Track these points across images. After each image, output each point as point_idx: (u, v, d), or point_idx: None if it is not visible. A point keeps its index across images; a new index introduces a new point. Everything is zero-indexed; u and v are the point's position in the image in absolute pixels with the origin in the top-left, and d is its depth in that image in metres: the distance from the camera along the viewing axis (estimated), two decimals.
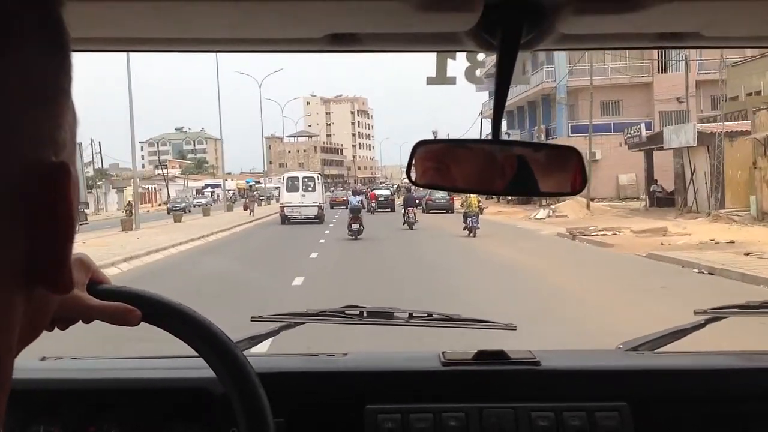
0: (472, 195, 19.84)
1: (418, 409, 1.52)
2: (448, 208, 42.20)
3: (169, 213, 51.08)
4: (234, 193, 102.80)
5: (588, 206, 33.78)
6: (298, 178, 36.45)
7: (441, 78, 1.17)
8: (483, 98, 59.88)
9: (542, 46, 1.07)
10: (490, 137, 1.09)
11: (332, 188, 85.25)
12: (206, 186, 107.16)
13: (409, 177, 1.12)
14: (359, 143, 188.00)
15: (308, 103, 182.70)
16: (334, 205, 48.42)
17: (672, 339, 1.85)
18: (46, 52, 0.47)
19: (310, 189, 35.52)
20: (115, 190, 75.98)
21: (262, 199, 74.01)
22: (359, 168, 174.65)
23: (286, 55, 1.69)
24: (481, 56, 1.15)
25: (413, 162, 1.09)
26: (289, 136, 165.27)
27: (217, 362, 1.03)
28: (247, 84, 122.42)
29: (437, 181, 1.11)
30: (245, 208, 48.23)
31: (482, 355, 1.64)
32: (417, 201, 32.92)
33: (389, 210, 43.33)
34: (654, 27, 1.07)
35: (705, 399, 1.59)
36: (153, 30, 1.06)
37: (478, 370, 1.62)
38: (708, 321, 1.86)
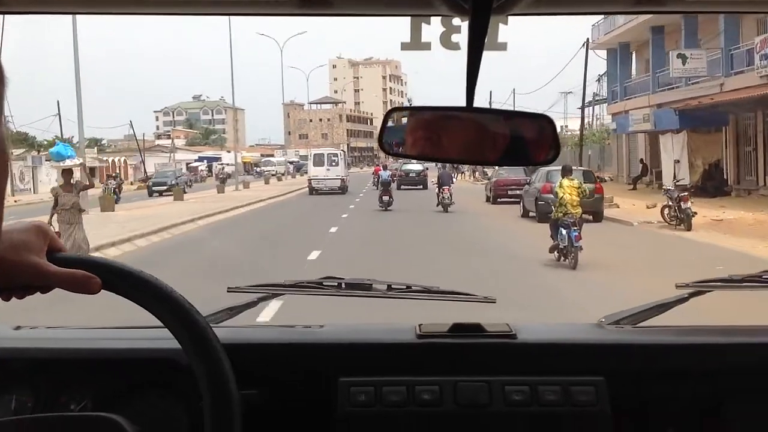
0: (564, 183, 13.10)
1: (392, 382, 1.51)
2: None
3: None
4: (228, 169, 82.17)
5: None
6: (323, 154, 40.53)
7: (416, 43, 1.14)
8: (589, 21, 37.41)
9: (516, 11, 1.04)
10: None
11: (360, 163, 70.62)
12: (201, 159, 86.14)
13: (381, 145, 1.12)
14: None
15: (334, 66, 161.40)
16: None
17: (655, 313, 1.81)
18: None
19: (334, 164, 39.44)
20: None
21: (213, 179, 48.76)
22: None
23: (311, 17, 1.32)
24: (456, 21, 1.11)
25: (394, 131, 1.12)
26: (311, 103, 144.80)
27: (178, 330, 1.00)
28: (268, 49, 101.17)
29: (428, 151, 1.11)
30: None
31: (458, 328, 1.62)
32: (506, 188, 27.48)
33: (420, 187, 39.69)
34: None
35: (683, 374, 1.57)
36: None
37: (453, 343, 1.60)
38: (691, 295, 1.83)
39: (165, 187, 42.75)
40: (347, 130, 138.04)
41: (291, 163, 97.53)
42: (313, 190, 38.84)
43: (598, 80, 43.48)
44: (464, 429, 1.50)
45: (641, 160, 32.42)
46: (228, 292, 1.82)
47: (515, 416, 1.49)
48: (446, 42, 1.11)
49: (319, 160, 39.65)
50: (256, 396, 1.31)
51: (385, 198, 25.85)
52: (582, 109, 36.55)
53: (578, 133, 69.67)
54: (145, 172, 67.34)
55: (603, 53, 39.21)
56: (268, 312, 6.38)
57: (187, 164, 79.89)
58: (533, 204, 20.88)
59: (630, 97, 34.34)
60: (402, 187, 38.50)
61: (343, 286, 1.89)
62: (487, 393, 1.49)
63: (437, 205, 24.69)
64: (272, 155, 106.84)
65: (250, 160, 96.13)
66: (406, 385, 1.50)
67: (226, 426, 0.99)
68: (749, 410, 1.55)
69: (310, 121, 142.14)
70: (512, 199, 25.84)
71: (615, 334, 1.71)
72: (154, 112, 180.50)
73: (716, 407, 1.55)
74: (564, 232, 12.35)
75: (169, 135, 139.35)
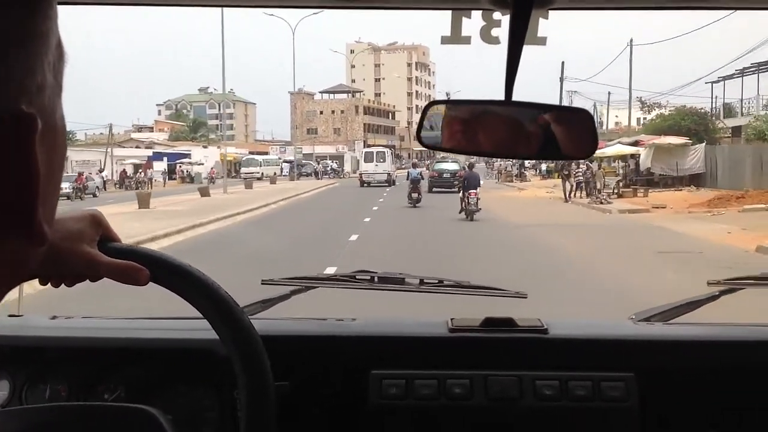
0: None
1: (423, 375, 1.52)
2: None
3: None
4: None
5: None
6: (373, 152, 48.34)
7: (455, 37, 1.15)
8: None
9: (558, 5, 1.05)
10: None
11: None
12: (157, 156, 63.35)
13: (419, 139, 1.16)
14: (416, 105, 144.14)
15: (352, 52, 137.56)
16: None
17: (685, 310, 1.80)
18: None
19: (382, 161, 46.14)
20: None
21: None
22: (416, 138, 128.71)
23: None
24: (496, 15, 1.11)
25: (433, 125, 1.13)
26: (322, 92, 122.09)
27: (220, 324, 1.02)
28: (279, 36, 79.41)
29: (464, 145, 1.14)
30: None
31: (490, 323, 1.63)
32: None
33: (456, 190, 29.85)
34: None
35: (715, 371, 1.56)
36: None
37: (485, 338, 1.61)
38: (723, 293, 1.82)
39: None
40: (365, 124, 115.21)
41: (288, 162, 75.81)
42: (363, 183, 44.35)
43: None
44: (495, 422, 1.51)
45: None
46: (262, 284, 1.83)
47: (546, 410, 1.49)
48: (486, 36, 1.10)
49: (369, 157, 46.64)
50: (288, 387, 1.31)
51: (414, 195, 26.20)
52: None
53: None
54: None
55: None
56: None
57: (135, 165, 56.89)
58: None
59: None
60: (434, 189, 35.39)
61: (376, 280, 1.87)
62: (518, 387, 1.50)
63: (460, 212, 21.07)
64: (267, 153, 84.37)
65: (234, 158, 73.49)
66: (438, 378, 1.50)
67: (262, 418, 1.00)
68: None
69: (321, 113, 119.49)
70: None
71: (646, 330, 1.69)
72: (157, 105, 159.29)
73: (747, 405, 1.54)
74: None
75: (152, 128, 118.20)
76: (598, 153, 31.68)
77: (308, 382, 1.50)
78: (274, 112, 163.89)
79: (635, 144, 32.03)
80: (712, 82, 44.21)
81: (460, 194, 21.73)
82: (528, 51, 1.01)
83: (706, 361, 1.57)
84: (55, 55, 0.48)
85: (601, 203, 24.66)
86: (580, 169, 27.53)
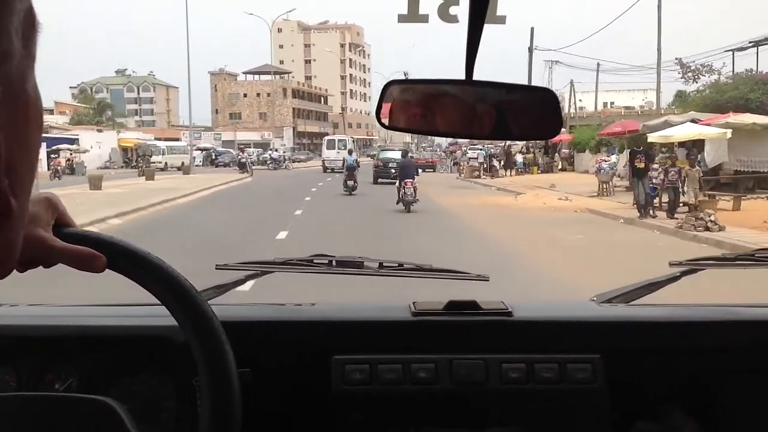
0: None
1: (387, 360, 1.50)
2: None
3: None
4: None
5: None
6: (334, 140, 52.43)
7: (413, 16, 1.14)
8: None
9: None
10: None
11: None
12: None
13: (378, 119, 1.13)
14: (350, 90, 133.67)
15: (279, 30, 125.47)
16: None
17: (647, 291, 1.80)
18: None
19: (343, 148, 45.37)
20: None
21: None
22: (350, 125, 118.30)
23: None
24: None
25: (390, 106, 1.10)
26: (246, 72, 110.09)
27: (181, 312, 1.00)
28: (205, 12, 67.66)
29: (424, 125, 1.13)
30: None
31: (453, 306, 1.61)
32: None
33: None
34: None
35: (679, 352, 1.57)
36: None
37: (448, 321, 1.59)
38: (684, 273, 1.81)
39: None
40: (294, 108, 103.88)
41: (204, 149, 64.72)
42: (326, 169, 47.57)
43: None
44: (461, 406, 1.50)
45: None
46: (216, 269, 1.77)
47: (512, 394, 1.49)
48: (444, 15, 1.08)
49: (331, 145, 51.17)
50: (249, 375, 1.27)
51: (350, 182, 25.72)
52: None
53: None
54: None
55: None
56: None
57: None
58: None
59: None
60: (379, 180, 32.76)
61: (334, 263, 1.84)
62: (484, 370, 1.48)
63: (397, 203, 20.23)
64: (178, 139, 72.30)
65: (133, 143, 61.44)
66: (402, 363, 1.49)
67: (226, 406, 0.98)
68: (741, 387, 1.56)
69: (245, 96, 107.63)
70: None
71: (609, 312, 1.70)
72: (70, 88, 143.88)
73: (710, 384, 1.56)
74: None
75: (52, 111, 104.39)
76: (655, 137, 21.30)
77: (269, 369, 1.46)
78: (199, 97, 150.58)
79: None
80: (734, 50, 34.39)
81: (396, 184, 21.22)
82: (510, 20, 0.87)
83: (670, 341, 1.58)
84: (25, 23, 0.46)
85: (707, 228, 13.79)
86: (656, 165, 16.79)
